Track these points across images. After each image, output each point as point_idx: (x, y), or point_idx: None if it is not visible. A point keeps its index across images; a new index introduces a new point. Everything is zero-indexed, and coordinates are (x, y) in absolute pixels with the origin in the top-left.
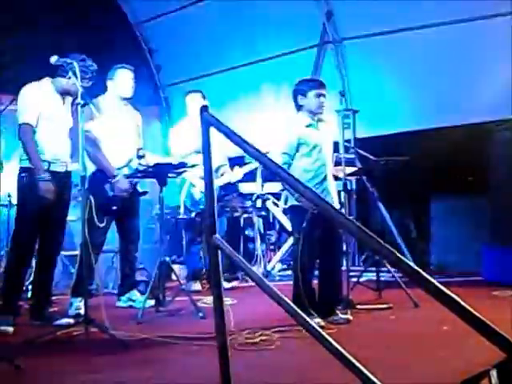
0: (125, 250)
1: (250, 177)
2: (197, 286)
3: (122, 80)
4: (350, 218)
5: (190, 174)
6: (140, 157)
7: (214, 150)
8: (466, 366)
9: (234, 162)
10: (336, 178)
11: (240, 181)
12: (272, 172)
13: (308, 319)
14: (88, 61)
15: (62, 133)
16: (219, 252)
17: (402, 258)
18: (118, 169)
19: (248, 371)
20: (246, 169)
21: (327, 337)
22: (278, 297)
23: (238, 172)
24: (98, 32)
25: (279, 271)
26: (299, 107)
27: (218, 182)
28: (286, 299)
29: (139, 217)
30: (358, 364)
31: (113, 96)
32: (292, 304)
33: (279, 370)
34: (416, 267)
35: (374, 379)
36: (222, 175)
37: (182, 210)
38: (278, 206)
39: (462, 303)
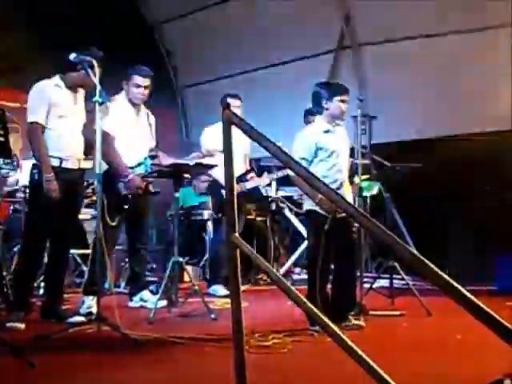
0: (134, 249)
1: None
2: (222, 289)
3: (133, 86)
4: (374, 220)
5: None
6: (152, 157)
7: (239, 154)
8: (479, 375)
9: (264, 167)
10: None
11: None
12: (295, 171)
13: (328, 321)
14: (93, 49)
15: (74, 129)
16: (238, 252)
17: (426, 260)
18: (131, 168)
19: (260, 374)
20: (275, 175)
21: (346, 339)
22: (297, 297)
23: (267, 178)
24: (115, 33)
25: (298, 274)
26: (320, 111)
27: (245, 186)
28: (305, 300)
29: (149, 217)
30: (378, 368)
31: (126, 97)
32: (311, 305)
33: (292, 374)
34: (445, 275)
35: (393, 383)
36: (249, 180)
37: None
38: (292, 211)
39: (485, 308)
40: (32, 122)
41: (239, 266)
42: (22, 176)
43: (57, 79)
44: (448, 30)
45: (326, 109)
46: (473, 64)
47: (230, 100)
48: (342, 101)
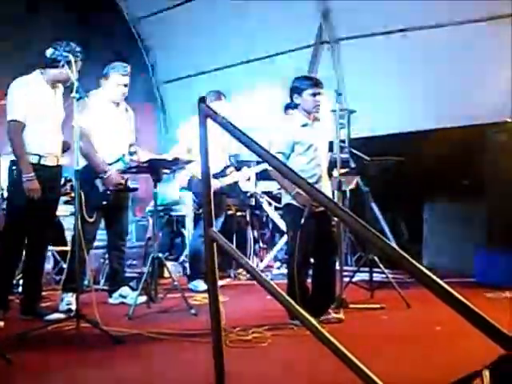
0: (113, 245)
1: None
2: (202, 285)
3: (113, 84)
4: (351, 213)
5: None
6: (131, 153)
7: (218, 149)
8: (458, 366)
9: (243, 162)
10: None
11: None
12: (271, 165)
13: (305, 314)
14: (72, 45)
15: (53, 126)
16: (215, 245)
17: (403, 253)
18: (110, 164)
19: (240, 368)
20: (254, 170)
21: (325, 333)
22: (275, 290)
23: (246, 172)
24: (93, 28)
25: (278, 268)
26: (295, 106)
27: (224, 181)
28: (283, 293)
29: (128, 212)
30: (357, 361)
31: (104, 94)
32: (289, 298)
33: (272, 367)
34: (419, 265)
35: (372, 375)
36: (229, 175)
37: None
38: (271, 205)
39: (463, 300)
40: (12, 120)
41: (217, 260)
42: None
43: (36, 75)
44: (427, 25)
45: (298, 103)
46: (451, 59)
47: (215, 97)
48: (314, 94)
